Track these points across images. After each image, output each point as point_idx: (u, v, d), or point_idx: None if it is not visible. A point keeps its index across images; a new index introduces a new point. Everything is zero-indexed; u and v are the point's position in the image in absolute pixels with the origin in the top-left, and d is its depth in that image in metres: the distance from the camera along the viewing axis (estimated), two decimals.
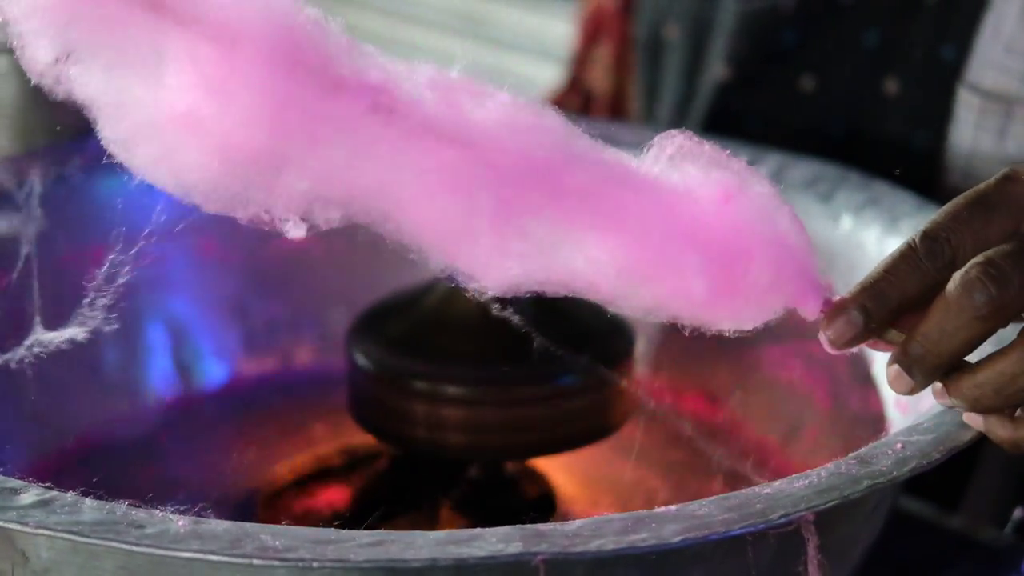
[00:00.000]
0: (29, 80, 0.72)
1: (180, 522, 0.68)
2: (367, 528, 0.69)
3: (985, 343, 0.77)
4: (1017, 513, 1.12)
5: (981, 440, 0.78)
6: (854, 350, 0.79)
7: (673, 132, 0.78)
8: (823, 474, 0.73)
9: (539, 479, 1.05)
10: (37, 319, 0.87)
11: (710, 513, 0.70)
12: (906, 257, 0.77)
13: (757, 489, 0.72)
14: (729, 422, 1.12)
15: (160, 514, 0.69)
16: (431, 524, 0.99)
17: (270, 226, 0.74)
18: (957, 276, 0.75)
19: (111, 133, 0.72)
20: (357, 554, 0.66)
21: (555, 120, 0.76)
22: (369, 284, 1.11)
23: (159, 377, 1.15)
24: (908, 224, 1.04)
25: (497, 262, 0.75)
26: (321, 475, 1.07)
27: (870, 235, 1.07)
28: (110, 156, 0.73)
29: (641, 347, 1.06)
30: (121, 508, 0.70)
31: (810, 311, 0.78)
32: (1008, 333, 0.77)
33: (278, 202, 0.73)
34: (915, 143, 1.22)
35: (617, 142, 0.78)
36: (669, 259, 0.76)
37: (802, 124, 1.27)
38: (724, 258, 0.76)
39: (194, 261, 1.15)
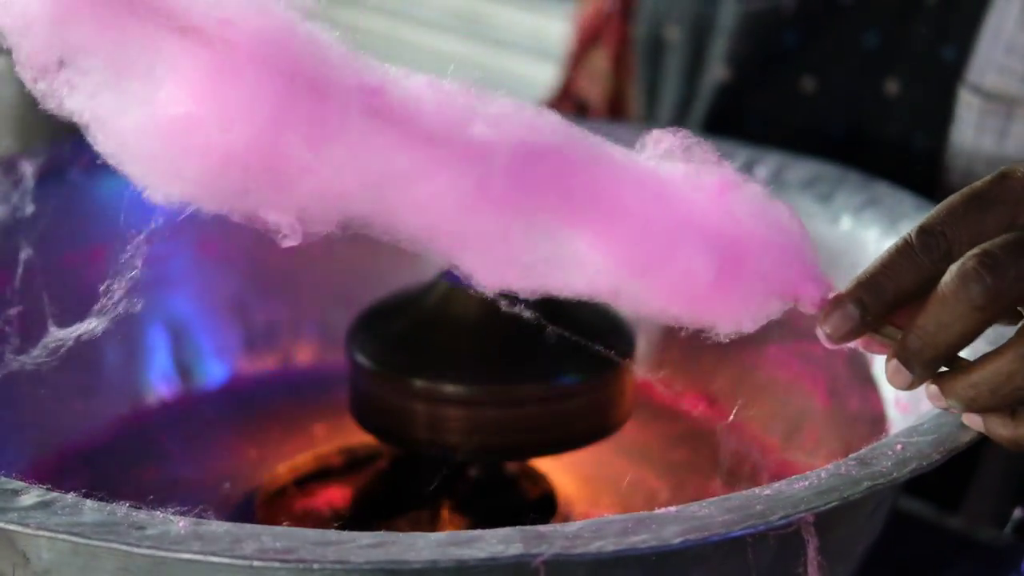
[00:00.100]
0: None
1: (181, 523, 0.68)
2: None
3: (981, 344, 0.77)
4: (1017, 513, 1.12)
5: (981, 440, 0.78)
6: (852, 346, 0.79)
7: (664, 131, 0.78)
8: (823, 475, 0.73)
9: (539, 479, 1.05)
10: (42, 319, 0.87)
11: (710, 514, 0.70)
12: (902, 251, 0.77)
13: (757, 490, 0.72)
14: (729, 422, 1.12)
15: (161, 515, 0.69)
16: (431, 524, 0.99)
17: (267, 229, 0.74)
18: (953, 268, 0.75)
19: (106, 140, 0.72)
20: (358, 555, 0.66)
21: (552, 118, 0.76)
22: (369, 284, 1.11)
23: (159, 377, 1.15)
24: (908, 225, 1.03)
25: (496, 261, 0.76)
26: (321, 475, 1.07)
27: (870, 236, 1.07)
28: None
29: (641, 347, 1.06)
30: (122, 509, 0.70)
31: (809, 302, 0.78)
32: (1003, 333, 0.77)
33: (274, 208, 0.73)
34: (915, 144, 1.22)
35: (617, 142, 0.78)
36: (669, 248, 0.76)
37: (802, 125, 1.27)
38: (724, 246, 0.76)
39: (194, 261, 1.15)
